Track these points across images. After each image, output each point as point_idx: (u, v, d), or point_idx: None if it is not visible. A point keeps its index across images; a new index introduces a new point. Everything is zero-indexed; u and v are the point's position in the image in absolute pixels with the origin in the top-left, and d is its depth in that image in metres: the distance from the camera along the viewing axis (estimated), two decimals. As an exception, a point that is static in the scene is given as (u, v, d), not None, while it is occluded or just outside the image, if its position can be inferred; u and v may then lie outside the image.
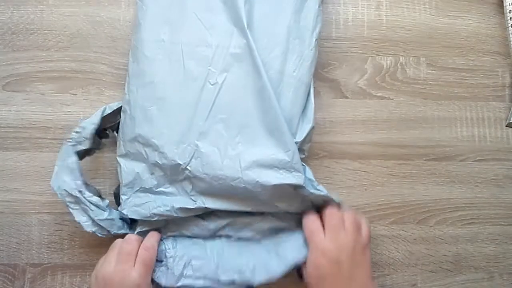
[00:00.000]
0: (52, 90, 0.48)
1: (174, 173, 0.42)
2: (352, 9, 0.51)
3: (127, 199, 0.42)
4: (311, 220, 0.42)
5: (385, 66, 0.50)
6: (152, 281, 0.41)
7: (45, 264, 0.46)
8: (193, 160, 0.41)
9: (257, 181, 0.39)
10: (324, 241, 0.40)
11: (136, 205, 0.42)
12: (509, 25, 0.50)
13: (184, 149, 0.41)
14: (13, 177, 0.47)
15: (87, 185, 0.42)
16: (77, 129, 0.42)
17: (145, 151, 0.42)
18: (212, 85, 0.42)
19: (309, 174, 0.42)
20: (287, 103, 0.42)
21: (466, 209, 0.48)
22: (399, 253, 0.47)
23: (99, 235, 0.41)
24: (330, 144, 0.48)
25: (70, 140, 0.42)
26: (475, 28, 0.51)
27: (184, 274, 0.41)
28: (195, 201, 0.41)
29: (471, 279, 0.47)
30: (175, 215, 0.41)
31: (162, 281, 0.41)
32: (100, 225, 0.41)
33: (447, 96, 0.50)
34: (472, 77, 0.50)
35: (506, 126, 0.49)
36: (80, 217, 0.41)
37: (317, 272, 0.40)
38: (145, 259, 0.40)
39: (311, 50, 0.43)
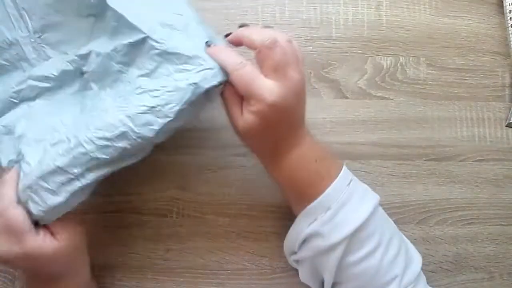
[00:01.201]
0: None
1: None
2: (352, 9, 0.51)
3: None
4: (232, 66, 0.32)
5: (385, 66, 0.50)
6: None
7: (45, 264, 0.46)
8: None
9: None
10: (271, 85, 0.31)
11: None
12: (509, 25, 0.50)
13: None
14: (13, 177, 0.47)
15: None
16: None
17: None
18: None
19: None
20: None
21: (466, 209, 0.48)
22: (399, 253, 0.47)
23: None
24: (330, 144, 0.48)
25: None
26: (475, 28, 0.51)
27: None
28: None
29: (471, 279, 0.47)
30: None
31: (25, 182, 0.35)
32: None
33: (447, 96, 0.50)
34: (472, 77, 0.50)
35: (506, 126, 0.49)
36: None
37: (260, 123, 0.32)
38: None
39: None
